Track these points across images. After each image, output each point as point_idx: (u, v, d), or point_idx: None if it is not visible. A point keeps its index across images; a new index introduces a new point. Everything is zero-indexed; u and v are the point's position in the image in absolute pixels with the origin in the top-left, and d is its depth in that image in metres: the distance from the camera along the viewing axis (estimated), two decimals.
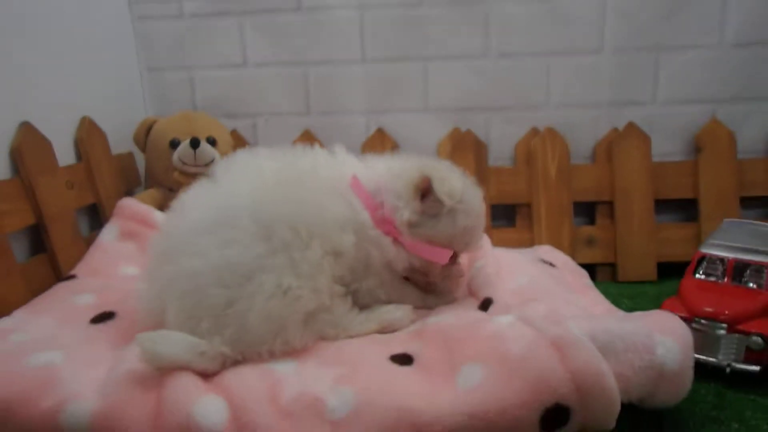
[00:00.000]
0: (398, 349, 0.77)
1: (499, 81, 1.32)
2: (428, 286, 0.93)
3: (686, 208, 1.31)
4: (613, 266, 1.27)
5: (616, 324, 0.75)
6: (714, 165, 1.27)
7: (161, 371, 0.71)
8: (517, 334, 0.71)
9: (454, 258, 0.90)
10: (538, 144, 1.29)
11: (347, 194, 0.84)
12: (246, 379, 0.71)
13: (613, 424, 0.67)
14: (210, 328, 0.73)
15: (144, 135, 1.25)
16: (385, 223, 0.85)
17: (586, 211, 1.33)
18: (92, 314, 0.90)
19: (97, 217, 1.19)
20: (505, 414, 0.64)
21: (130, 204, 1.14)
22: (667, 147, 1.30)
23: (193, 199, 0.83)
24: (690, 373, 0.72)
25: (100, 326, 0.88)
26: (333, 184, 0.84)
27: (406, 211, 0.84)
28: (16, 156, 1.00)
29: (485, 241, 1.12)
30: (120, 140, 1.28)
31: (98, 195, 1.18)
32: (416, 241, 0.85)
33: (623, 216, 1.27)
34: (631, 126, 1.28)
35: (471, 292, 0.98)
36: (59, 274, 1.04)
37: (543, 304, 0.80)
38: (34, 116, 1.05)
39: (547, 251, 1.14)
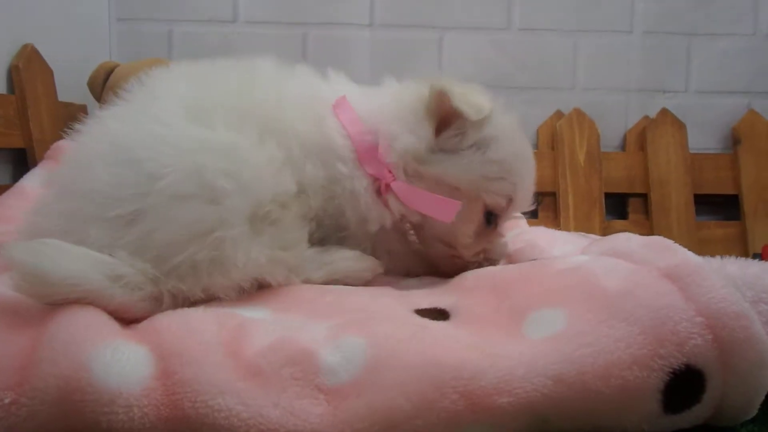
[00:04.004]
0: (424, 304, 0.50)
1: (521, 57, 1.15)
2: (449, 265, 0.62)
3: (726, 206, 1.13)
4: None
5: (734, 267, 0.50)
6: (755, 158, 1.11)
7: (49, 304, 0.42)
8: (609, 266, 0.46)
9: (493, 222, 0.61)
10: (565, 126, 1.09)
11: (324, 113, 0.58)
12: (189, 321, 0.42)
13: (755, 409, 0.42)
14: (121, 217, 0.46)
15: (102, 80, 0.97)
16: (371, 160, 0.57)
17: (616, 204, 1.14)
18: None
19: (24, 165, 0.89)
20: (610, 376, 0.38)
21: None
22: (700, 139, 1.15)
23: None
24: None
25: None
26: (306, 101, 0.60)
27: (411, 137, 0.56)
28: None
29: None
30: (73, 89, 1.01)
31: (30, 139, 0.89)
32: (416, 186, 0.56)
33: (660, 210, 1.08)
34: (665, 113, 1.13)
35: (510, 260, 0.72)
36: None
37: (634, 238, 0.53)
38: None
39: (582, 234, 0.89)
